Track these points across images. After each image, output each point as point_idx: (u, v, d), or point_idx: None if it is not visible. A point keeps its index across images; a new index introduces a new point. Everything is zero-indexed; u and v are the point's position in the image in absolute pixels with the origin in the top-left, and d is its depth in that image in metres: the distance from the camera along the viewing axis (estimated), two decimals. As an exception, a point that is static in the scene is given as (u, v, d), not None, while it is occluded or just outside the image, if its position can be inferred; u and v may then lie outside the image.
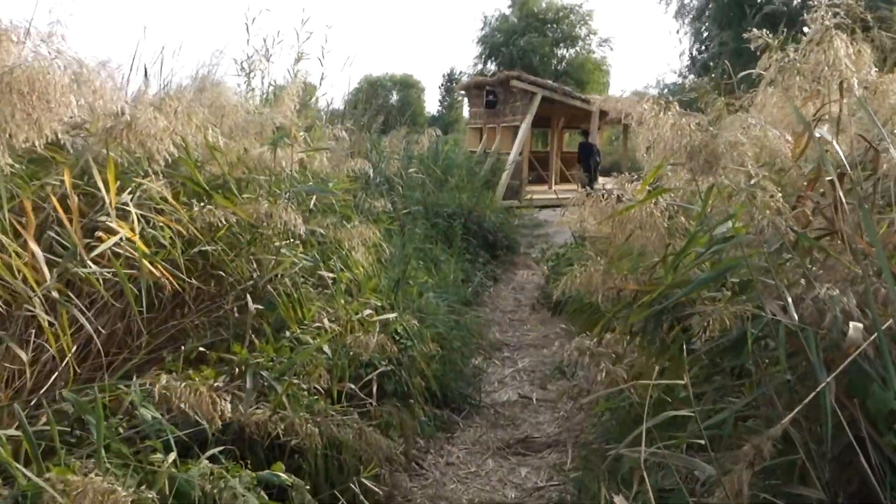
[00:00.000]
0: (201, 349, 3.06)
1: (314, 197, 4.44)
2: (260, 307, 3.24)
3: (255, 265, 3.46)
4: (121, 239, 2.41)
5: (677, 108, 1.89)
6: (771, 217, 1.75)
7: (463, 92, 22.54)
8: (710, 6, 12.99)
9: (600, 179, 18.18)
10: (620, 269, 2.34)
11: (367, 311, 3.53)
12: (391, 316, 3.56)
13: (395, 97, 42.63)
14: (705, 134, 1.79)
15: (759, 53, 2.14)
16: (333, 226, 3.97)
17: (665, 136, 1.82)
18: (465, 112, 28.78)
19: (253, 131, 3.99)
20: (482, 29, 28.85)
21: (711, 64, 12.66)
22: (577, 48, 28.57)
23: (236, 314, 3.36)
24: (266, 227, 3.20)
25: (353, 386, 3.08)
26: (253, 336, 3.12)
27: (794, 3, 11.38)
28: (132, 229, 2.45)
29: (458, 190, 9.99)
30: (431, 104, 44.99)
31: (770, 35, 2.19)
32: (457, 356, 4.98)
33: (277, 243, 3.40)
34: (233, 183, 3.54)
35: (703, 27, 12.83)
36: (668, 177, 2.30)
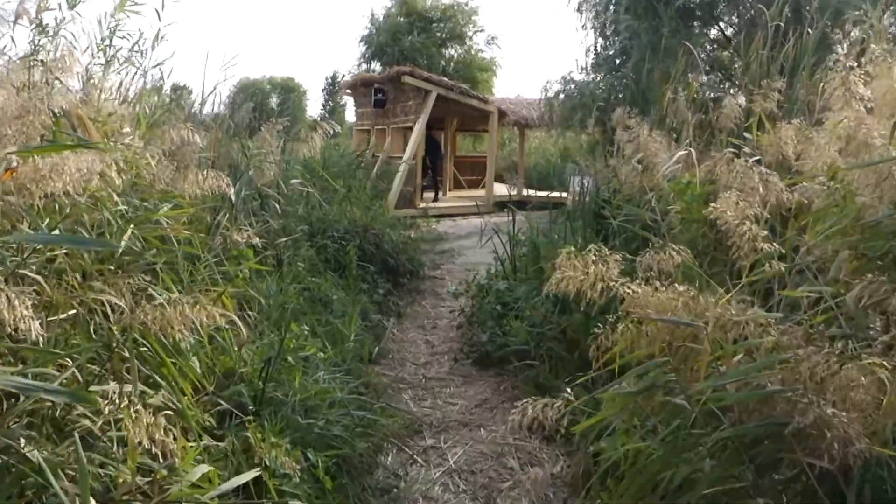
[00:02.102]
0: None
1: (128, 232, 2.69)
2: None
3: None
4: None
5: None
6: None
7: (348, 91, 20.54)
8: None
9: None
10: None
11: (198, 471, 1.81)
12: (240, 481, 1.84)
13: (274, 100, 40.20)
14: None
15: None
16: (139, 294, 2.21)
17: None
18: (350, 114, 26.84)
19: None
20: (367, 28, 27.05)
21: (618, 61, 11.51)
22: (465, 47, 27.38)
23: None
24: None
25: None
26: None
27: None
28: None
29: (348, 202, 8.24)
30: (314, 108, 42.70)
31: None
32: (363, 466, 3.32)
33: None
34: None
35: (608, 20, 11.68)
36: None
